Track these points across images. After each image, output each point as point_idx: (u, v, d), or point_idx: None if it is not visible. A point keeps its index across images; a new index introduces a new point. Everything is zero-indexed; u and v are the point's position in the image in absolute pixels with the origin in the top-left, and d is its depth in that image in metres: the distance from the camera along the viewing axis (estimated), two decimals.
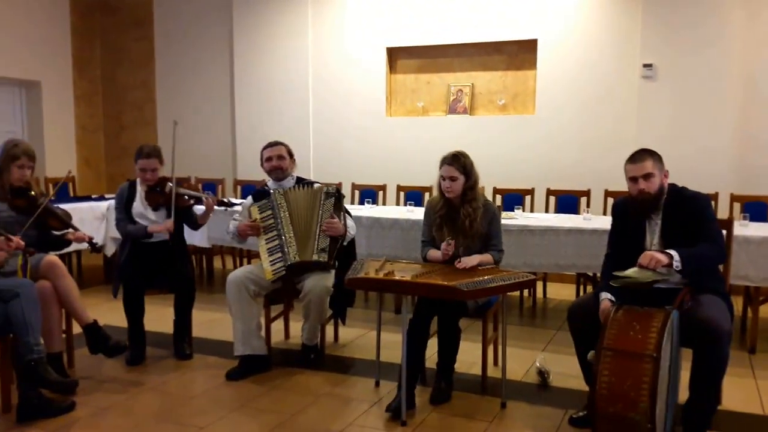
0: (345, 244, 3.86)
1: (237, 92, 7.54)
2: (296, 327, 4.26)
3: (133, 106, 8.28)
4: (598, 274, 4.78)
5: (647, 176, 2.91)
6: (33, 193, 3.53)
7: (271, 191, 3.85)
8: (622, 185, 3.16)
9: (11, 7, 7.15)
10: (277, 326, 4.26)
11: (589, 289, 5.23)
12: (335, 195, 3.79)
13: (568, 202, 5.61)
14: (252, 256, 6.07)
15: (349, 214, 4.05)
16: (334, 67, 7.06)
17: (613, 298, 2.86)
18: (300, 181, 4.00)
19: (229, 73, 7.63)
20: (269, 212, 3.80)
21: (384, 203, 6.15)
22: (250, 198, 3.99)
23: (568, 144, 6.19)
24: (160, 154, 4.03)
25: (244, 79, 7.49)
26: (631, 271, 2.75)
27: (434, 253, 3.48)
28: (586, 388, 3.06)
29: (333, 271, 3.83)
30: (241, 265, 6.16)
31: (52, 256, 3.49)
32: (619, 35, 6.00)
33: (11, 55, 7.17)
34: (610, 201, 5.48)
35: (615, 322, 2.66)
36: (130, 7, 8.17)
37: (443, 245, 3.39)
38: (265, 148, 4.00)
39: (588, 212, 4.93)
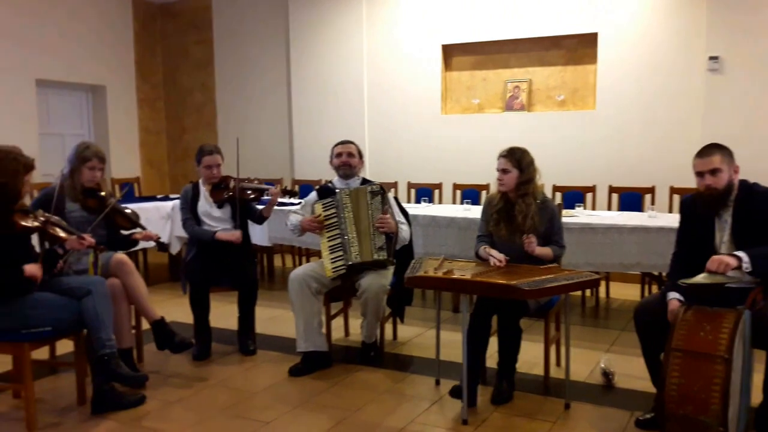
0: (397, 247, 3.88)
1: (294, 93, 7.65)
2: (355, 324, 4.30)
3: (193, 108, 8.51)
4: (664, 274, 4.68)
5: (714, 171, 2.82)
6: (103, 193, 3.66)
7: (337, 190, 3.89)
8: (687, 182, 3.07)
9: (78, 17, 7.46)
10: (337, 323, 4.31)
11: (655, 289, 5.09)
12: (380, 192, 3.84)
13: (631, 199, 5.46)
14: (311, 254, 6.16)
15: (407, 216, 4.04)
16: (388, 66, 7.08)
17: (681, 298, 2.77)
18: (365, 182, 4.03)
19: (285, 73, 7.74)
20: (333, 210, 3.84)
21: (440, 202, 6.12)
22: (314, 194, 4.04)
23: (631, 140, 6.03)
24: (220, 151, 4.14)
25: (300, 79, 7.59)
26: (700, 278, 2.66)
27: (484, 253, 3.42)
28: (653, 390, 2.98)
29: (391, 268, 3.85)
30: (301, 263, 6.27)
31: (122, 255, 3.61)
32: (683, 26, 5.79)
33: (78, 61, 7.48)
34: (676, 198, 5.32)
35: (684, 322, 2.58)
36: (189, 11, 8.39)
37: (494, 260, 3.32)
38: (336, 144, 4.06)
39: (653, 210, 4.79)
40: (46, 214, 3.14)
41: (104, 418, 3.13)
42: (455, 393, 3.20)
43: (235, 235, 3.97)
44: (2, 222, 2.93)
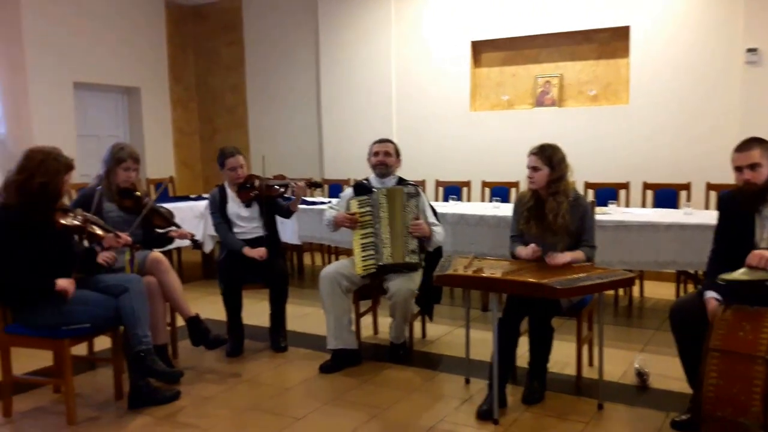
0: (431, 250, 3.87)
1: (323, 92, 7.69)
2: (384, 323, 4.31)
3: (225, 109, 8.61)
4: (700, 272, 4.59)
5: (753, 166, 2.75)
6: (138, 193, 3.72)
7: (374, 190, 3.89)
8: (725, 177, 3.00)
9: (113, 21, 7.61)
10: (366, 321, 4.32)
11: (690, 287, 4.99)
12: (415, 194, 3.83)
13: (666, 196, 5.36)
14: (340, 252, 6.19)
15: (437, 216, 4.03)
16: (417, 64, 7.07)
17: (719, 297, 2.71)
18: (401, 181, 4.02)
19: (315, 73, 7.79)
20: (368, 209, 3.84)
21: (468, 200, 6.09)
22: (350, 190, 4.05)
23: (666, 134, 5.91)
24: (241, 152, 4.19)
25: (329, 79, 7.62)
26: (740, 273, 2.59)
27: (522, 251, 3.40)
28: (689, 391, 2.93)
29: (420, 270, 3.85)
30: (330, 261, 6.31)
31: (157, 253, 3.68)
32: (719, 17, 5.66)
33: (114, 64, 7.64)
34: (713, 194, 5.20)
35: (723, 322, 2.52)
36: (220, 12, 8.49)
37: (530, 250, 3.31)
38: (375, 142, 4.06)
39: (689, 206, 4.69)
40: (85, 213, 3.22)
41: (140, 413, 3.20)
42: (484, 415, 3.11)
43: (260, 252, 4.01)
44: (43, 220, 3.02)
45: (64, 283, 3.02)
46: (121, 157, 3.64)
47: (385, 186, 3.93)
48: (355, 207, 3.87)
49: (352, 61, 7.43)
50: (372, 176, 4.06)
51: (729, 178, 2.89)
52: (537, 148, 3.37)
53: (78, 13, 7.22)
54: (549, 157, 3.31)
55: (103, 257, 3.18)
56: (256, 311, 4.53)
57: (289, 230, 5.46)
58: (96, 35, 7.41)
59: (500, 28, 6.57)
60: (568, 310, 3.36)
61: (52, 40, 6.93)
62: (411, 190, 3.85)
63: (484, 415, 3.10)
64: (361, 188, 3.97)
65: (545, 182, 3.32)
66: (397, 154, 4.05)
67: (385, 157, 3.98)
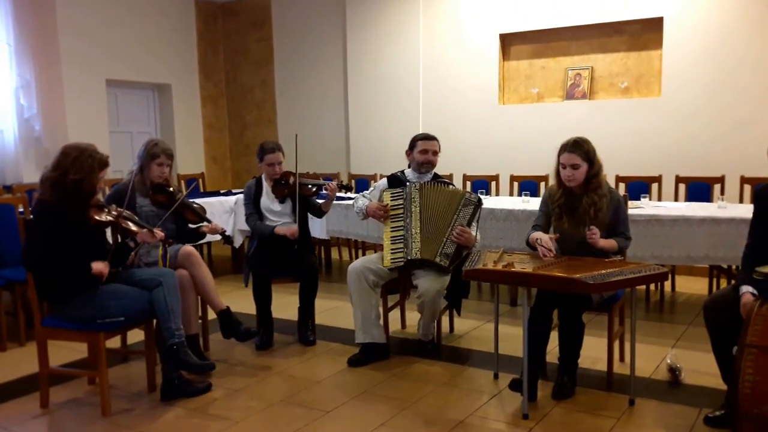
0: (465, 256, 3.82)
1: (350, 87, 7.71)
2: (411, 317, 4.32)
3: (254, 105, 8.69)
4: (734, 267, 4.50)
5: None
6: (171, 189, 3.77)
7: (408, 183, 3.88)
8: (759, 170, 2.93)
9: (144, 19, 7.74)
10: (394, 316, 4.33)
11: (723, 282, 4.89)
12: (475, 204, 3.75)
13: (699, 189, 5.27)
14: (367, 247, 6.21)
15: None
16: (445, 58, 7.04)
17: (755, 292, 2.65)
18: (436, 177, 3.99)
19: (342, 68, 7.81)
20: (400, 202, 3.83)
21: (497, 194, 6.06)
22: (384, 181, 4.04)
23: (699, 127, 5.80)
24: (281, 148, 4.22)
25: (357, 73, 7.64)
26: None
27: (535, 235, 3.34)
28: (723, 387, 2.89)
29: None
30: (357, 256, 6.33)
31: (189, 247, 3.71)
32: (755, 7, 5.52)
33: (145, 61, 7.77)
34: (747, 188, 5.10)
35: (760, 317, 2.47)
36: (249, 9, 8.56)
37: (542, 249, 3.25)
38: (421, 138, 3.97)
39: (722, 200, 4.59)
40: (119, 209, 3.26)
41: (173, 405, 3.25)
42: (515, 386, 3.17)
43: (292, 229, 4.05)
44: (78, 216, 3.07)
45: (99, 266, 3.09)
46: (155, 153, 3.68)
47: (421, 180, 3.91)
48: (387, 199, 3.86)
49: (379, 55, 7.43)
50: (408, 170, 4.03)
51: (764, 171, 2.84)
52: (571, 144, 3.28)
53: (110, 12, 7.36)
54: (586, 152, 3.26)
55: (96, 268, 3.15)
56: (284, 305, 4.57)
57: (317, 225, 5.49)
58: (128, 34, 7.55)
59: (529, 21, 6.51)
60: (599, 304, 3.33)
61: (86, 39, 7.08)
62: (473, 198, 3.76)
63: (515, 385, 3.15)
64: (396, 181, 3.96)
65: (585, 178, 3.28)
66: (440, 151, 4.01)
67: (432, 156, 3.93)
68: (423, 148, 3.93)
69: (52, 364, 3.30)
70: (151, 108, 8.25)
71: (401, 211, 3.82)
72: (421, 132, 4.08)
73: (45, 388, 3.25)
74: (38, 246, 3.01)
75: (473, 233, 3.71)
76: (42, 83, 6.59)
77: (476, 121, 6.85)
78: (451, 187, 3.90)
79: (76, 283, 3.09)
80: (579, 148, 3.25)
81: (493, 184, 6.09)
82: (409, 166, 4.05)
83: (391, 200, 3.85)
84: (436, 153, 3.96)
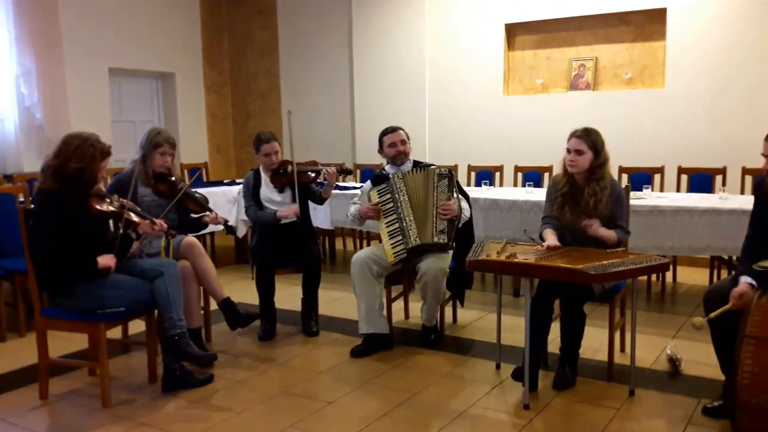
0: (459, 226, 3.85)
1: (355, 77, 7.68)
2: (415, 308, 4.32)
3: (258, 94, 8.66)
4: (735, 258, 4.49)
5: None
6: (173, 178, 3.76)
7: (390, 175, 3.90)
8: (761, 162, 2.92)
9: (148, 6, 7.70)
10: (397, 306, 4.34)
11: (724, 273, 4.89)
12: (447, 176, 3.80)
13: (701, 180, 5.26)
14: (372, 237, 6.21)
15: (467, 196, 4.03)
16: (450, 48, 7.01)
17: (753, 282, 2.65)
18: (417, 164, 4.02)
19: (348, 58, 7.78)
20: (388, 196, 3.86)
21: (501, 184, 6.05)
22: (368, 183, 4.07)
23: (701, 119, 5.78)
24: (277, 138, 4.22)
25: (362, 63, 7.61)
26: None
27: (546, 234, 3.37)
28: (722, 377, 2.90)
29: (450, 252, 3.84)
30: (362, 246, 6.34)
31: (191, 238, 3.72)
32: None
33: (149, 49, 7.73)
34: (749, 179, 5.08)
35: (759, 308, 2.48)
36: None
37: (548, 242, 3.27)
38: (385, 134, 4.01)
39: (724, 191, 4.60)
40: (121, 199, 3.25)
41: (174, 396, 3.25)
42: (517, 375, 3.18)
43: (293, 209, 4.05)
44: (79, 205, 3.06)
45: (106, 260, 3.09)
46: (157, 142, 3.66)
47: (401, 171, 3.93)
48: (375, 197, 3.89)
49: (385, 44, 7.40)
50: (387, 166, 4.06)
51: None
52: (581, 131, 3.31)
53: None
54: (594, 141, 3.27)
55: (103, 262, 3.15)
56: (288, 295, 4.58)
57: (321, 215, 5.50)
58: (131, 21, 7.50)
59: (535, 11, 6.47)
60: (601, 295, 3.33)
61: (88, 26, 7.03)
62: (443, 171, 3.83)
63: (517, 375, 3.18)
64: (379, 178, 3.97)
65: (588, 167, 3.28)
66: (408, 137, 4.03)
67: (402, 146, 3.96)
68: (390, 142, 3.96)
69: (51, 354, 3.28)
70: (154, 97, 8.23)
71: (391, 204, 3.84)
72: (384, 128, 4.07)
73: (45, 379, 3.23)
74: (46, 237, 3.01)
75: (456, 204, 3.75)
76: (43, 71, 6.50)
77: (481, 112, 6.83)
78: (432, 167, 3.89)
79: (82, 276, 3.09)
80: (587, 136, 3.28)
81: (497, 174, 6.07)
82: (387, 164, 4.07)
83: (379, 197, 3.87)
84: (404, 142, 3.98)
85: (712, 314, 2.69)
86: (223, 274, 5.61)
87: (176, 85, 8.13)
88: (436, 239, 3.72)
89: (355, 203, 4.09)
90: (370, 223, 5.11)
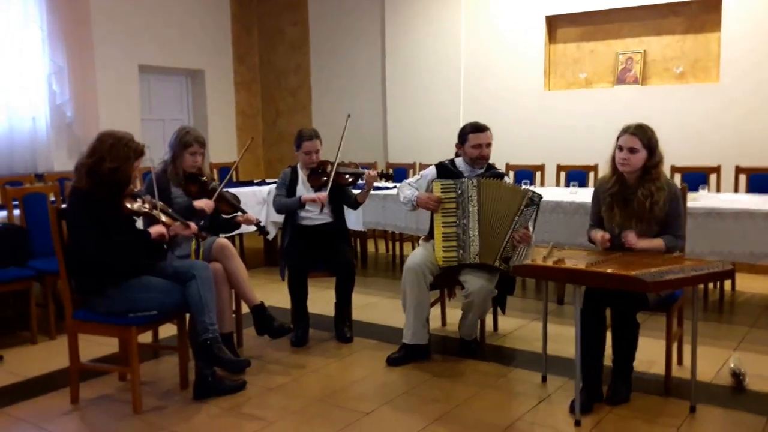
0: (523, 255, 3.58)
1: (388, 73, 7.51)
2: (452, 315, 4.14)
3: (288, 91, 8.54)
4: None
5: None
6: (204, 178, 3.68)
7: (464, 179, 3.59)
8: None
9: (178, 3, 7.64)
10: (434, 312, 4.13)
11: None
12: (537, 204, 3.45)
13: (762, 180, 4.95)
14: (404, 239, 6.03)
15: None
16: (487, 41, 6.79)
17: None
18: (489, 168, 3.74)
19: (380, 54, 7.61)
20: (453, 195, 3.55)
21: (542, 184, 5.81)
22: (433, 169, 3.77)
23: (759, 114, 5.48)
24: (319, 136, 4.07)
25: (395, 59, 7.44)
26: None
27: (596, 235, 3.18)
28: None
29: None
30: (395, 248, 6.18)
31: (223, 239, 3.62)
32: None
33: (178, 47, 7.67)
34: None
35: None
36: None
37: (599, 236, 3.10)
38: (472, 131, 3.66)
39: None
40: (153, 200, 3.18)
41: (206, 403, 3.14)
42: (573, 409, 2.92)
43: (320, 195, 3.88)
44: (112, 205, 3.01)
45: (157, 229, 3.05)
46: (187, 142, 3.58)
47: (475, 173, 3.67)
48: (438, 190, 3.58)
49: (418, 39, 7.22)
50: (459, 159, 3.77)
51: None
52: (634, 127, 3.09)
53: None
54: (649, 138, 3.06)
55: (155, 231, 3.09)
56: (320, 299, 4.43)
57: (353, 217, 5.34)
58: (161, 18, 7.46)
59: (578, 2, 6.23)
60: (656, 304, 3.10)
61: (118, 23, 7.01)
62: (535, 197, 3.45)
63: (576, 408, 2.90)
64: (446, 171, 3.71)
65: (640, 166, 3.06)
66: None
67: (487, 149, 3.67)
68: (476, 143, 3.65)
69: (82, 358, 3.23)
70: (183, 94, 8.17)
71: (454, 205, 3.55)
72: (471, 122, 3.76)
73: (75, 383, 3.18)
74: (96, 233, 2.95)
75: (533, 236, 3.48)
76: (74, 69, 6.51)
77: (520, 108, 6.60)
78: (506, 180, 3.65)
79: (146, 252, 3.08)
80: (642, 133, 3.06)
81: (538, 174, 5.84)
82: (457, 155, 3.82)
83: (443, 192, 3.57)
84: (489, 145, 3.70)
85: None
86: (253, 277, 5.45)
87: (206, 83, 8.06)
88: (497, 264, 3.45)
89: (411, 186, 3.76)
90: (404, 224, 4.95)
